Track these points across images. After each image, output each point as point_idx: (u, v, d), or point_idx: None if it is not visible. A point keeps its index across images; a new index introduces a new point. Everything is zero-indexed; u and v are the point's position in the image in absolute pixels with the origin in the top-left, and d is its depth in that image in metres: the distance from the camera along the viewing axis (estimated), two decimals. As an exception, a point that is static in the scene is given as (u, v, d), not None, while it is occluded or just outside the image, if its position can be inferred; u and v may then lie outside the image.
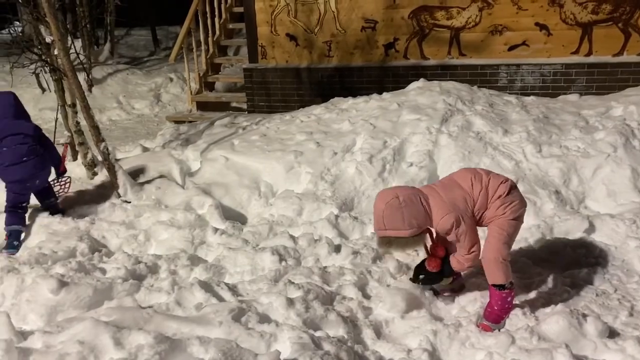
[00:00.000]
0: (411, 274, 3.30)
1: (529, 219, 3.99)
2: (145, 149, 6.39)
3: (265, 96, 8.35)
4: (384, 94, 6.04)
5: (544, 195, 4.18)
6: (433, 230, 3.09)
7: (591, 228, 3.85)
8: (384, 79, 7.51)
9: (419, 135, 4.95)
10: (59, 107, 5.62)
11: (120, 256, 3.77)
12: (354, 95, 6.68)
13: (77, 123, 5.31)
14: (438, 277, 3.15)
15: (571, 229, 3.87)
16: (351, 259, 3.78)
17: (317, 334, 2.68)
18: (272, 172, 5.01)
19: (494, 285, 2.94)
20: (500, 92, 6.01)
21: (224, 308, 2.75)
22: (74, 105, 5.26)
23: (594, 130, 4.69)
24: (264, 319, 2.77)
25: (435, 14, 7.26)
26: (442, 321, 2.97)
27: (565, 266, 3.51)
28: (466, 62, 7.21)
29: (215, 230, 4.31)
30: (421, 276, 3.18)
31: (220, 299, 3.16)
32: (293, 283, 3.20)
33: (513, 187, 3.01)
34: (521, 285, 3.31)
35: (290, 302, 2.88)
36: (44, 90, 10.06)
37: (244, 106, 8.86)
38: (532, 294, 3.21)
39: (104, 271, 3.63)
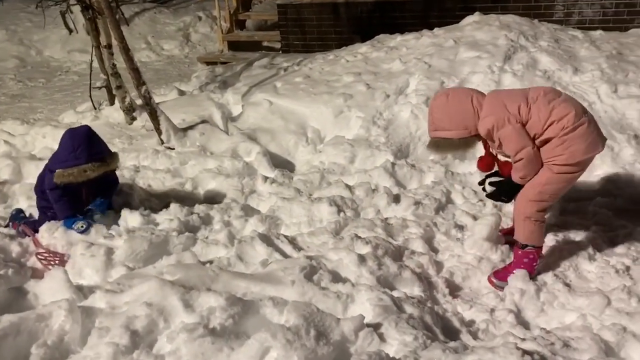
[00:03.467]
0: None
1: (605, 167, 3.69)
2: (181, 92, 6.13)
3: (301, 34, 7.92)
4: (436, 29, 5.60)
5: (622, 140, 3.84)
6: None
7: (677, 176, 3.53)
8: (429, 13, 7.00)
9: (480, 74, 4.57)
10: (93, 48, 5.34)
11: (172, 207, 3.60)
12: (396, 32, 6.25)
13: (114, 65, 5.05)
14: (509, 187, 2.74)
15: (654, 177, 3.56)
16: (413, 209, 3.56)
17: (395, 294, 2.49)
18: (319, 116, 4.73)
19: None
20: (564, 27, 5.52)
21: (294, 265, 2.57)
22: (109, 46, 4.98)
23: (677, 67, 4.27)
24: (336, 277, 2.59)
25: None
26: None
27: (651, 218, 3.24)
28: (520, -6, 6.65)
29: (265, 178, 4.11)
30: (489, 185, 2.86)
31: (283, 253, 2.99)
32: (360, 237, 2.99)
33: (583, 125, 2.52)
34: (605, 239, 3.06)
35: (362, 258, 2.69)
36: (71, 31, 9.75)
37: (277, 45, 8.49)
38: (619, 249, 2.96)
39: (156, 223, 3.47)
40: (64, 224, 3.26)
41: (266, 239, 3.06)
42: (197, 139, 4.62)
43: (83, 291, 2.70)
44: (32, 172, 4.44)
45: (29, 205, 3.88)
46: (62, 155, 3.26)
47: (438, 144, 2.74)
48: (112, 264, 2.96)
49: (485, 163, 2.93)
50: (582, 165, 2.62)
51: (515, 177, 2.68)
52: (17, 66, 9.09)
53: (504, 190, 2.77)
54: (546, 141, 2.57)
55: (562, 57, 4.58)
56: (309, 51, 7.35)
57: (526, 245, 2.69)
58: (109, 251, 3.02)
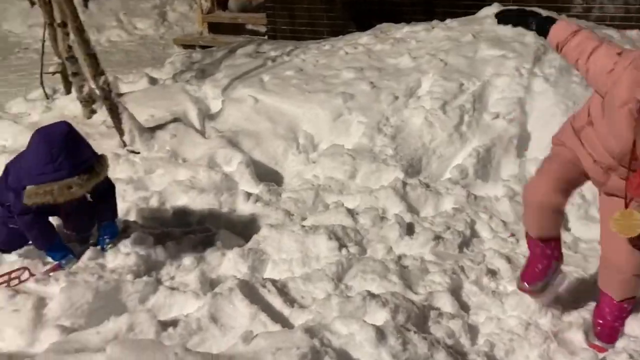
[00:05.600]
0: None
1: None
2: (152, 80, 5.32)
3: (289, 18, 7.15)
4: (449, 21, 4.89)
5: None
6: None
7: None
8: (434, 1, 6.29)
9: (506, 77, 3.88)
10: (46, 26, 4.51)
11: (132, 235, 2.83)
12: (395, 21, 5.54)
13: (70, 47, 4.21)
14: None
15: None
16: (432, 246, 2.88)
17: (428, 392, 1.81)
18: (314, 119, 4.00)
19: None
20: (597, 25, 4.86)
21: (289, 346, 1.86)
22: (64, 24, 4.14)
23: None
24: (347, 363, 1.89)
25: None
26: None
27: None
28: (537, -16, 5.97)
29: (248, 195, 3.38)
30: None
31: (272, 312, 2.28)
32: (373, 296, 2.29)
33: None
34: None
35: (380, 334, 1.99)
36: (33, 3, 8.78)
37: (262, 29, 7.72)
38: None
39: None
40: (52, 257, 2.66)
41: (249, 290, 2.35)
42: (167, 141, 3.84)
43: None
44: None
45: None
46: (35, 166, 2.42)
47: None
48: (42, 323, 2.22)
49: None
50: None
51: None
52: (-31, 40, 8.14)
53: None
54: None
55: (601, 61, 3.92)
56: (297, 38, 6.60)
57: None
58: (40, 303, 2.27)
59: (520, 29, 4.24)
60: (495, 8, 4.87)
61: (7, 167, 2.68)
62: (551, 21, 2.13)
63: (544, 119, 3.63)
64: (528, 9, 2.25)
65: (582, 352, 2.11)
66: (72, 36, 4.06)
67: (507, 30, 4.35)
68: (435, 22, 4.97)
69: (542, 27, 2.14)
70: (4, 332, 2.21)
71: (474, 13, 5.13)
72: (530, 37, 4.20)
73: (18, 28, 8.62)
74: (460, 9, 5.71)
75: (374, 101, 3.96)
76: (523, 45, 4.13)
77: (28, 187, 2.40)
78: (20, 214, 2.55)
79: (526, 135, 3.66)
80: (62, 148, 2.40)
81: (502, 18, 2.28)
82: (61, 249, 2.66)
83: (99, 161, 2.60)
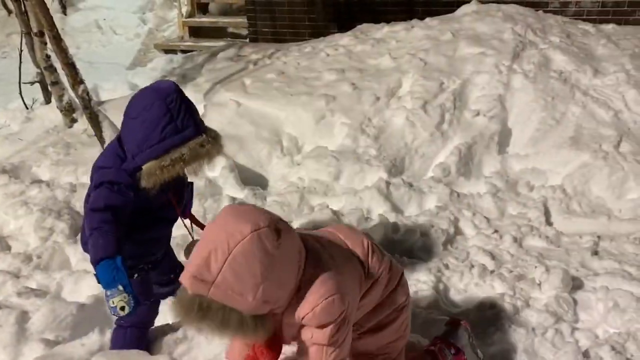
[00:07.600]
0: None
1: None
2: (133, 87, 5.30)
3: (270, 20, 7.13)
4: (428, 19, 4.92)
5: (661, 159, 3.27)
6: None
7: None
8: (413, 0, 6.32)
9: (485, 74, 3.92)
10: (23, 35, 4.46)
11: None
12: (377, 21, 5.56)
13: (48, 57, 4.18)
14: None
15: None
16: (417, 245, 2.90)
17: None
18: (297, 122, 4.00)
19: None
20: (573, 20, 4.93)
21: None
22: (41, 33, 4.11)
23: None
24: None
25: None
26: None
27: None
28: (513, -20, 6.03)
29: (233, 200, 3.37)
30: None
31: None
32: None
33: None
34: None
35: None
36: (10, 11, 8.68)
37: (243, 32, 7.70)
38: None
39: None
40: (100, 278, 1.75)
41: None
42: (149, 148, 3.82)
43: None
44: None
45: None
46: (151, 134, 1.81)
47: (209, 310, 1.39)
48: (25, 337, 2.20)
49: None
50: None
51: None
52: (-55, 51, 8.03)
53: None
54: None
55: (578, 56, 3.98)
56: (279, 40, 6.60)
57: None
58: (23, 317, 2.25)
59: (498, 27, 4.29)
60: (474, 5, 4.92)
61: (94, 171, 1.97)
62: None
63: (524, 114, 3.68)
64: None
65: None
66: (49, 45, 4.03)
67: (485, 28, 4.40)
68: (414, 21, 5.00)
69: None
70: (-15, 348, 2.18)
71: (453, 11, 5.17)
72: (508, 33, 4.25)
73: (-4, 37, 8.54)
74: (439, 6, 5.75)
75: (356, 102, 3.97)
76: (502, 42, 4.17)
77: (145, 166, 1.81)
78: (95, 209, 1.83)
79: (507, 131, 3.69)
80: (182, 102, 1.84)
81: None
82: (119, 273, 1.75)
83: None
